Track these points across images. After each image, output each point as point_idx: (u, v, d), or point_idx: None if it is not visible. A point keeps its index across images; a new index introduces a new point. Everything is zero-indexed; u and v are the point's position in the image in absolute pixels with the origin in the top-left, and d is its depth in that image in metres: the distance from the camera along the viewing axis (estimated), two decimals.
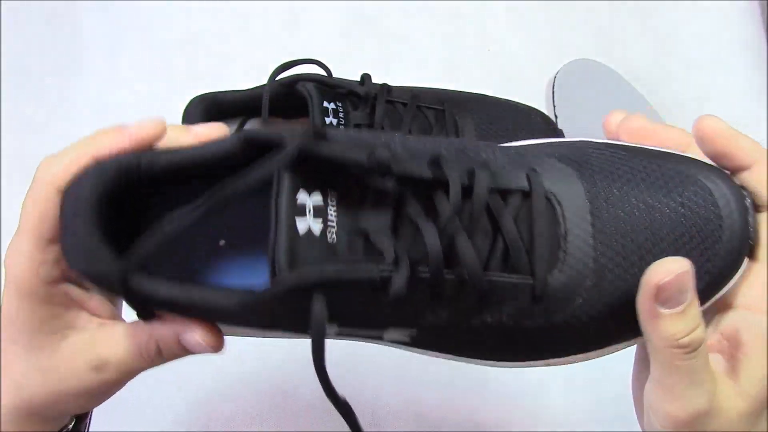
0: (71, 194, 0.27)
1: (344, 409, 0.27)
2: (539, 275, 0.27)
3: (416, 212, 0.26)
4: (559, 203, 0.28)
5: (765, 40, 0.61)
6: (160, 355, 0.29)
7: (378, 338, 0.29)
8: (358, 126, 0.46)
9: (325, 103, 0.45)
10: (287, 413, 0.49)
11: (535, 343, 0.29)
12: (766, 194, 0.28)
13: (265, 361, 0.50)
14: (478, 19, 0.61)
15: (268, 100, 0.45)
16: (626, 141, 0.32)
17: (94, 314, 0.30)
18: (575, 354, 0.29)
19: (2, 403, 0.30)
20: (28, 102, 0.57)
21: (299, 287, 0.24)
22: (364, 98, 0.47)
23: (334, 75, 0.47)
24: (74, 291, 0.30)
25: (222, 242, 0.31)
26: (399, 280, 0.24)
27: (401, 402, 0.50)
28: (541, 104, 0.57)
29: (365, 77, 0.48)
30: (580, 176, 0.29)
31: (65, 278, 0.30)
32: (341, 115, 0.46)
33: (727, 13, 0.62)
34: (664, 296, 0.26)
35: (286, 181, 0.24)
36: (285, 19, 0.60)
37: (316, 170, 0.25)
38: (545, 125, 0.52)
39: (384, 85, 0.48)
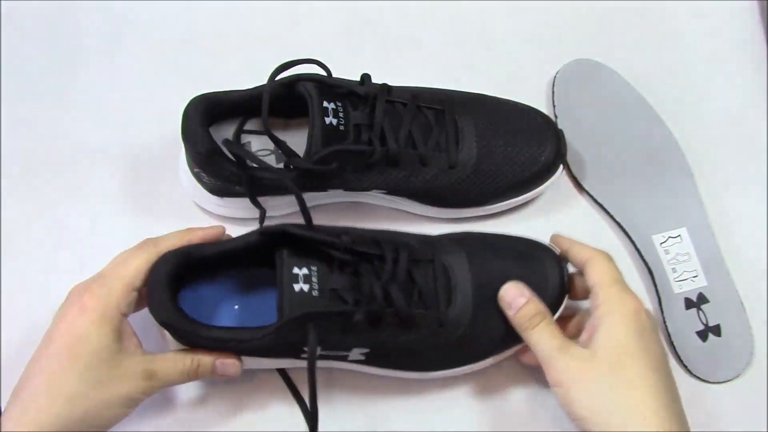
0: (158, 265, 0.42)
1: (313, 414, 0.42)
2: (442, 310, 0.44)
3: (366, 273, 0.43)
4: (451, 268, 0.45)
5: (765, 40, 0.61)
6: (196, 373, 0.42)
7: (345, 358, 0.45)
8: (357, 126, 0.46)
9: (325, 103, 0.45)
10: (285, 415, 0.49)
11: (445, 353, 0.46)
12: (583, 253, 0.45)
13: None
14: (478, 19, 0.61)
15: (268, 100, 0.45)
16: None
17: (137, 345, 0.42)
18: (474, 363, 0.47)
19: (55, 413, 0.38)
20: (28, 102, 0.57)
21: (300, 318, 0.40)
22: (364, 98, 0.47)
23: (334, 75, 0.47)
24: (129, 326, 0.42)
25: (236, 306, 0.47)
26: (359, 313, 0.41)
27: (401, 402, 0.50)
28: (541, 104, 0.57)
29: (365, 77, 0.48)
30: (462, 252, 0.46)
31: (127, 316, 0.42)
32: (341, 115, 0.46)
33: (727, 13, 0.62)
34: (506, 302, 0.44)
35: (286, 262, 0.41)
36: (285, 19, 0.60)
37: (303, 254, 0.42)
38: (545, 125, 0.52)
39: (384, 85, 0.48)
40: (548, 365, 0.42)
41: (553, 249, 0.48)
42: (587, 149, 0.56)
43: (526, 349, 0.46)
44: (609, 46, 0.60)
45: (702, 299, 0.52)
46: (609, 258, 0.45)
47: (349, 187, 0.48)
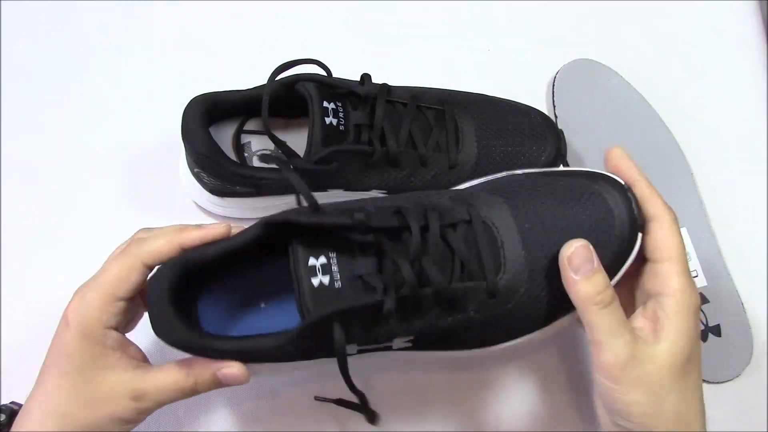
0: (152, 283, 0.37)
1: (362, 397, 0.37)
2: (489, 278, 0.37)
3: (392, 251, 0.36)
4: (494, 224, 0.38)
5: (765, 40, 0.61)
6: (194, 389, 0.38)
7: (389, 348, 0.38)
8: (358, 126, 0.46)
9: (325, 103, 0.45)
10: (286, 413, 0.49)
11: (499, 327, 0.39)
12: (649, 208, 0.39)
13: None
14: (478, 19, 0.61)
15: (268, 100, 0.45)
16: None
17: (132, 358, 0.38)
18: (531, 332, 0.40)
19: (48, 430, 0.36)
20: (28, 102, 0.57)
21: (322, 319, 0.34)
22: (364, 98, 0.47)
23: (334, 75, 0.47)
24: (121, 338, 0.38)
25: (263, 305, 0.42)
26: (389, 302, 0.35)
27: (402, 401, 0.50)
28: (541, 104, 0.57)
29: (365, 77, 0.48)
30: (506, 201, 0.39)
31: (117, 327, 0.38)
32: (341, 115, 0.46)
33: (727, 13, 0.62)
34: (575, 265, 0.37)
35: (299, 254, 0.35)
36: (285, 19, 0.60)
37: (318, 241, 0.36)
38: (545, 125, 0.52)
39: (384, 85, 0.48)
40: (609, 355, 0.36)
41: (615, 178, 0.40)
42: (587, 149, 0.56)
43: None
44: (609, 46, 0.60)
45: (702, 299, 0.52)
46: (678, 224, 0.39)
47: (349, 187, 0.48)
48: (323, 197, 0.50)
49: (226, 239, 0.39)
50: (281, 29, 0.60)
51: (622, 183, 0.39)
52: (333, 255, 0.36)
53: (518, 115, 0.52)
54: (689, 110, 0.58)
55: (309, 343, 0.36)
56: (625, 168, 0.40)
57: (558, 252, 0.37)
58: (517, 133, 0.51)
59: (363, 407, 0.37)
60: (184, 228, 0.39)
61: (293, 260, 0.36)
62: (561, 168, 0.41)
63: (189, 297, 0.40)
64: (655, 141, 0.56)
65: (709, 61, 0.60)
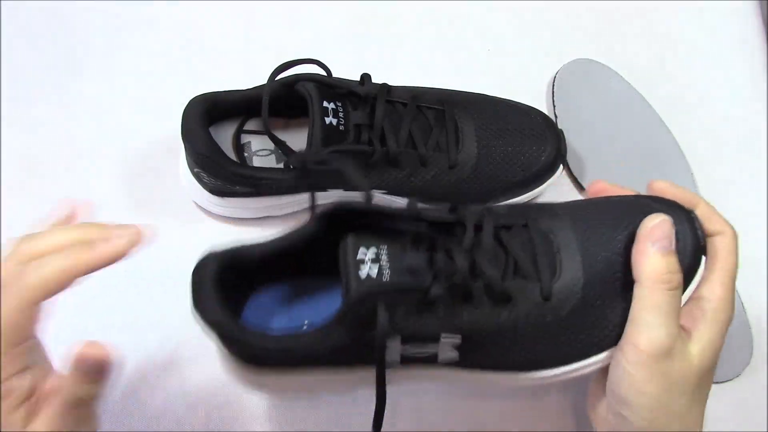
0: (196, 272, 0.36)
1: (381, 403, 0.36)
2: (545, 280, 0.36)
3: (444, 242, 0.35)
4: (551, 231, 0.38)
5: (765, 40, 0.61)
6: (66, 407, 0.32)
7: (434, 357, 0.37)
8: (357, 126, 0.46)
9: (325, 103, 0.45)
10: (285, 413, 0.49)
11: (549, 340, 0.37)
12: (710, 225, 0.39)
13: None
14: (478, 19, 0.61)
15: (268, 100, 0.45)
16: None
17: (37, 409, 0.33)
18: (584, 358, 0.38)
19: None
20: (28, 102, 0.57)
21: (366, 295, 0.34)
22: (364, 98, 0.47)
23: (334, 75, 0.47)
24: (29, 385, 0.33)
25: (306, 323, 0.41)
26: (437, 287, 0.34)
27: (402, 400, 0.50)
28: (541, 104, 0.57)
29: (365, 77, 0.48)
30: (566, 214, 0.39)
31: (25, 369, 0.32)
32: (341, 115, 0.46)
33: (727, 13, 0.62)
34: (655, 236, 0.36)
35: (349, 246, 0.35)
36: (285, 19, 0.60)
37: (368, 236, 0.36)
38: (545, 125, 0.52)
39: (384, 85, 0.48)
40: (645, 339, 0.35)
41: (678, 204, 0.40)
42: (587, 149, 0.56)
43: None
44: (609, 46, 0.60)
45: None
46: (737, 240, 0.39)
47: (349, 187, 0.49)
48: (323, 197, 0.50)
49: (277, 239, 0.38)
50: (281, 29, 0.60)
51: (687, 209, 0.39)
52: (383, 248, 0.35)
53: (518, 115, 0.52)
54: (689, 110, 0.58)
55: (353, 335, 0.35)
56: (681, 194, 0.40)
57: (617, 267, 0.37)
58: (517, 133, 0.51)
59: (376, 415, 0.37)
60: (73, 250, 0.32)
61: (342, 253, 0.35)
62: (623, 195, 0.41)
63: (235, 298, 0.39)
64: (655, 141, 0.56)
65: (709, 61, 0.60)
